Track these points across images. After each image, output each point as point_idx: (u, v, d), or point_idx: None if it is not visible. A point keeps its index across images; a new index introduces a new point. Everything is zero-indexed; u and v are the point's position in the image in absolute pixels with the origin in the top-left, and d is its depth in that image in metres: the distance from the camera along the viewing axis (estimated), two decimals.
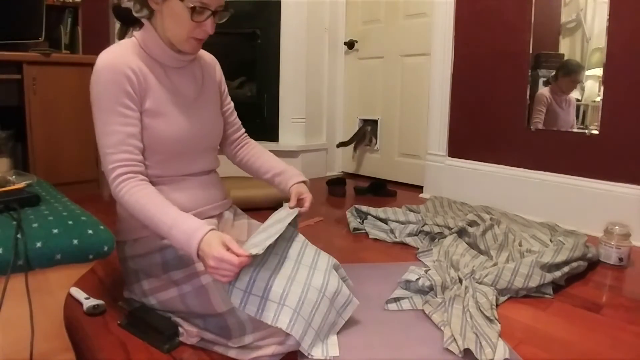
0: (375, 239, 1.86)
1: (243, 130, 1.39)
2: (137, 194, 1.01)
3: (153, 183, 1.07)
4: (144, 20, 1.13)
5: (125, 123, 1.04)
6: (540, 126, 2.14)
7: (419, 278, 1.30)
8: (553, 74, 2.12)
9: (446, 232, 1.76)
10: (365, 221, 2.00)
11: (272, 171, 1.30)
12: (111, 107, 1.03)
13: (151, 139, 1.09)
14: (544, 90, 2.15)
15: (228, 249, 0.92)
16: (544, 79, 2.15)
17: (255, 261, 0.98)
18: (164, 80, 1.12)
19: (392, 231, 1.88)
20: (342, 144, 3.21)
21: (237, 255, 0.91)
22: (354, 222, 1.98)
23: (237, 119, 1.37)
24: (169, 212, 0.99)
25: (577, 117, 2.05)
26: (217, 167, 1.30)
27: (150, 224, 1.00)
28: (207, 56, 1.29)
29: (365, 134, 3.15)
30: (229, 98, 1.34)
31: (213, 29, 1.09)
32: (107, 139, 1.03)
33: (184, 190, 1.15)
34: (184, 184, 1.16)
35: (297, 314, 0.95)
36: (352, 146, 3.24)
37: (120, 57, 1.06)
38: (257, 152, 1.35)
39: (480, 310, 1.18)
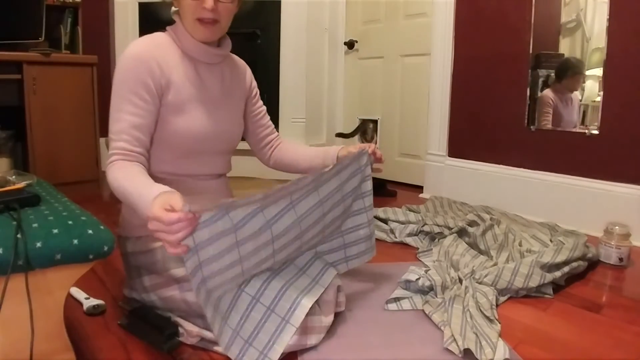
0: (376, 239, 1.85)
1: (276, 133, 1.39)
2: (118, 171, 0.97)
3: (162, 180, 1.06)
4: (174, 17, 1.14)
5: (133, 113, 1.03)
6: (549, 126, 2.13)
7: (419, 278, 1.30)
8: (553, 74, 2.12)
9: (446, 232, 1.76)
10: None
11: (314, 156, 1.28)
12: (125, 94, 1.03)
13: (169, 134, 1.09)
14: (547, 92, 2.15)
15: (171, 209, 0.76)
16: (544, 79, 2.15)
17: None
18: (191, 74, 1.12)
19: (392, 231, 1.88)
20: (341, 135, 3.19)
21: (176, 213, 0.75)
22: None
23: (270, 122, 1.38)
24: (137, 182, 0.91)
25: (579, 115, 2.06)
26: (229, 171, 1.29)
27: (123, 198, 0.93)
28: (239, 61, 1.30)
29: (367, 130, 3.14)
30: (260, 102, 1.35)
31: (211, 4, 1.03)
32: (114, 125, 1.03)
33: (192, 192, 1.14)
34: (193, 185, 1.16)
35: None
36: (354, 141, 3.24)
37: (148, 49, 1.06)
38: (292, 147, 1.36)
39: (480, 310, 1.18)
